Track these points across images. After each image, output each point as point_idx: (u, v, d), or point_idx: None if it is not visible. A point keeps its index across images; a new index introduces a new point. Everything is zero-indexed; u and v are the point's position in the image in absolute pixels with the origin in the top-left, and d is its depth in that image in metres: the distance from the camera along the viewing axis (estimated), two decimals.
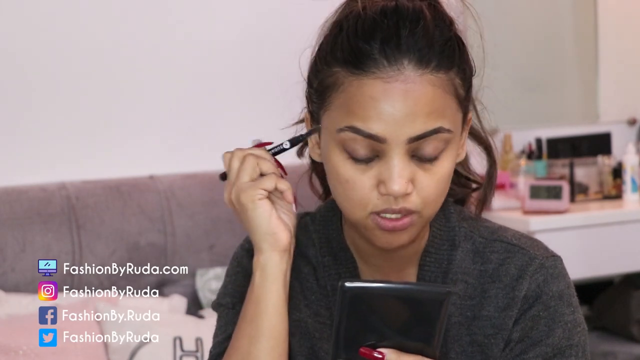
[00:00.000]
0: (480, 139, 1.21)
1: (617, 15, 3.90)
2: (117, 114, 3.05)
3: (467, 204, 1.25)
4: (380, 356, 1.00)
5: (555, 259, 1.17)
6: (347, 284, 0.97)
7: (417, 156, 1.07)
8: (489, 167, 1.22)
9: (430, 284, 1.00)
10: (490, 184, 1.22)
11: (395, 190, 1.06)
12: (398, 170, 1.06)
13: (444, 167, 1.08)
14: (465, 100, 1.10)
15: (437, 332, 0.99)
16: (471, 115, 1.16)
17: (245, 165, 1.13)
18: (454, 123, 1.08)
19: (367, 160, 1.07)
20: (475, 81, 1.15)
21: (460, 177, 1.23)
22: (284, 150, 1.14)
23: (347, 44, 1.07)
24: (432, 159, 1.07)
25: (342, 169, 1.08)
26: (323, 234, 1.22)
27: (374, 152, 1.07)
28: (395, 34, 1.06)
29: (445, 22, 1.09)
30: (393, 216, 1.08)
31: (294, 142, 1.14)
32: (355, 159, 1.08)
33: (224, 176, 1.16)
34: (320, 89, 1.10)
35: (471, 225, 1.20)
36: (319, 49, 1.12)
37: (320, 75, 1.10)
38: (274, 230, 1.15)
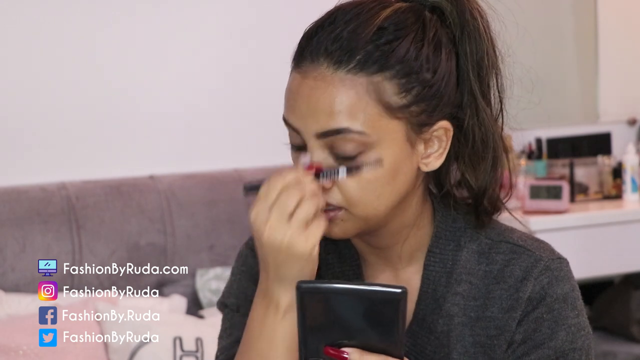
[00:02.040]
0: (487, 143, 1.16)
1: (617, 15, 3.90)
2: (117, 114, 3.05)
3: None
4: (345, 355, 1.00)
5: (561, 261, 1.16)
6: (302, 285, 0.99)
7: (335, 153, 1.07)
8: (491, 168, 1.17)
9: (385, 284, 0.99)
10: (492, 194, 1.16)
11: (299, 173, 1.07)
12: (307, 159, 1.07)
13: (370, 172, 1.06)
14: (405, 108, 1.06)
15: (398, 332, 0.99)
16: (447, 123, 1.10)
17: (290, 199, 1.04)
18: (371, 127, 1.05)
19: (299, 149, 1.10)
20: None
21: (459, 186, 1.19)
22: (335, 176, 1.09)
23: (300, 40, 1.11)
24: (351, 158, 1.06)
25: (291, 156, 1.12)
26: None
27: (302, 142, 1.09)
28: (329, 31, 1.07)
29: (406, 21, 1.07)
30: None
31: (350, 171, 1.08)
32: (293, 146, 1.11)
33: (251, 188, 1.09)
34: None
35: (478, 227, 1.18)
36: None
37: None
38: (313, 274, 1.08)
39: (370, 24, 1.06)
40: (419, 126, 1.09)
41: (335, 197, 1.08)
